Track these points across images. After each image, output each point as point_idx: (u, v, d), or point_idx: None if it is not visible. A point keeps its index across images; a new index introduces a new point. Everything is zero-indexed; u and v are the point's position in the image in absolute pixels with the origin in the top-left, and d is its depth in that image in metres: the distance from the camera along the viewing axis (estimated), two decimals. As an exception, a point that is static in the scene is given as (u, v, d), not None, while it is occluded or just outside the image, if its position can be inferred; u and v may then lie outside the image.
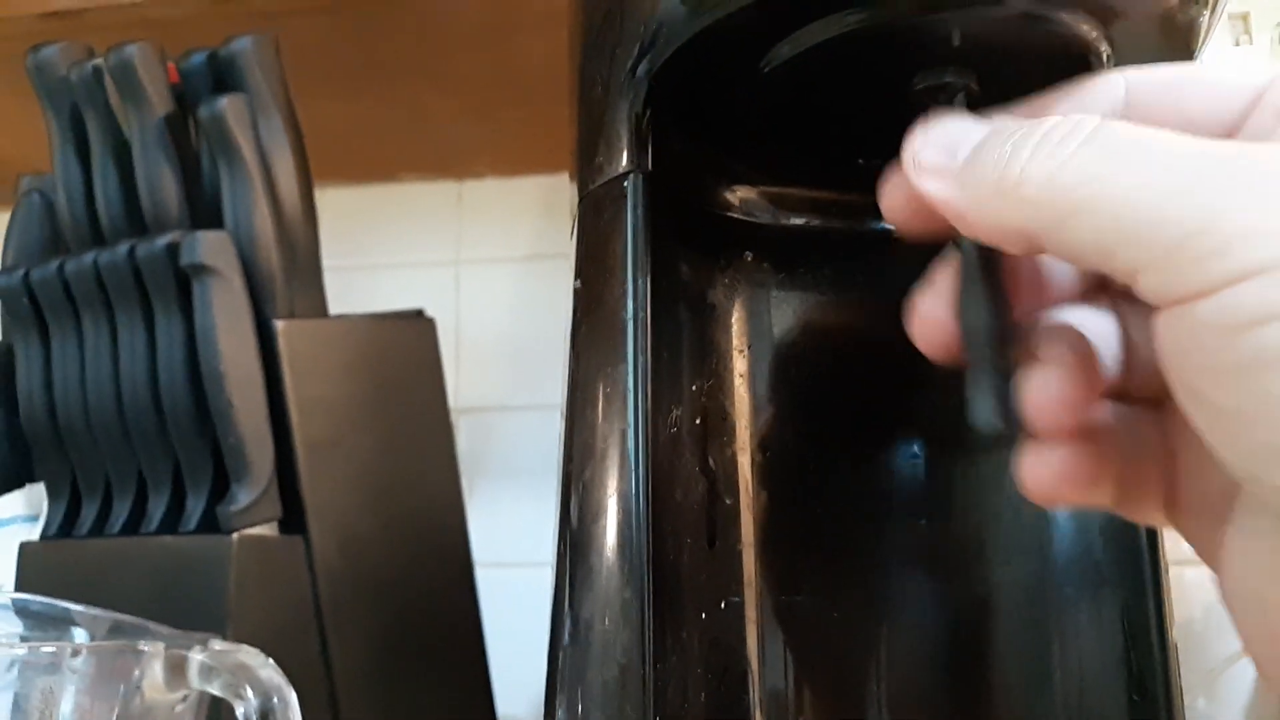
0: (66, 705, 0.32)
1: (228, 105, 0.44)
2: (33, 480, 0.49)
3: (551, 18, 0.55)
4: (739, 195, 0.36)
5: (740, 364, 0.36)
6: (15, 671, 0.32)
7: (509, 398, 0.74)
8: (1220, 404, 0.18)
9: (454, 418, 0.54)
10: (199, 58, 0.47)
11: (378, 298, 0.65)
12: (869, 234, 0.36)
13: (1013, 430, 0.23)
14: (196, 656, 0.33)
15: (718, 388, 0.35)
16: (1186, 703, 0.32)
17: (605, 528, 0.29)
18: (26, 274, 0.46)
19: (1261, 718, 0.56)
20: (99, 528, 0.45)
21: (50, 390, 0.46)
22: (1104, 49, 0.29)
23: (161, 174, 0.45)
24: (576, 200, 0.34)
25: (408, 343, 0.52)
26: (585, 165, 0.33)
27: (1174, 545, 0.32)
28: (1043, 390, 0.22)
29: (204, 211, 0.46)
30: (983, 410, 0.23)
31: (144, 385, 0.43)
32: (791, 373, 0.36)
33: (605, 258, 0.31)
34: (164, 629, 0.34)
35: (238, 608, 0.41)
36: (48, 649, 0.32)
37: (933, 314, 0.25)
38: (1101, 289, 0.26)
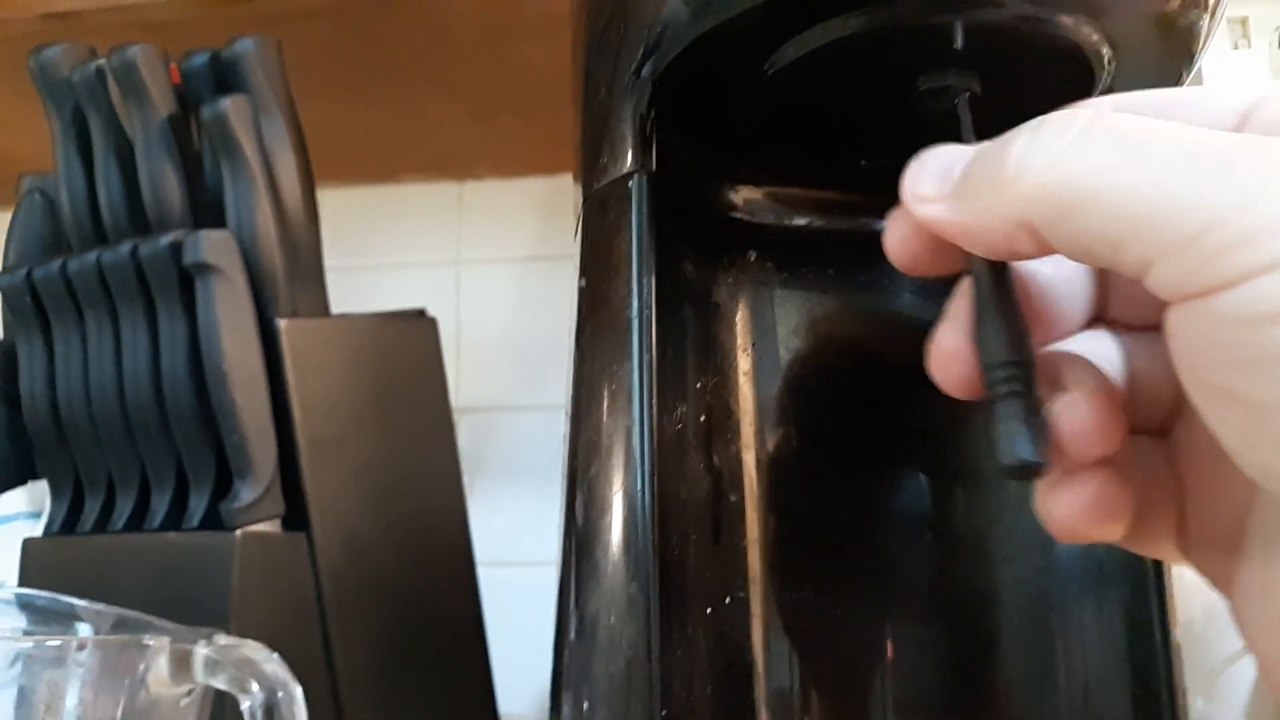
0: (72, 699, 0.32)
1: (230, 105, 0.44)
2: (35, 477, 0.49)
3: (552, 21, 0.55)
4: (743, 196, 0.36)
5: (744, 362, 0.36)
6: (20, 666, 0.32)
7: (509, 398, 0.74)
8: (1241, 399, 0.18)
9: (455, 417, 0.55)
10: (201, 59, 0.47)
11: (379, 298, 0.65)
12: (872, 234, 0.36)
13: (1043, 463, 0.21)
14: (201, 651, 0.33)
15: (722, 386, 0.35)
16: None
17: (611, 524, 0.29)
18: (29, 272, 0.46)
19: (1262, 718, 0.57)
20: (102, 524, 0.45)
21: (53, 388, 0.46)
22: (1105, 52, 0.29)
23: (164, 173, 0.45)
24: (581, 200, 0.34)
25: (410, 342, 0.52)
26: (589, 166, 0.33)
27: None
28: (1076, 416, 0.21)
29: (206, 211, 0.46)
30: (1013, 443, 0.21)
31: (147, 383, 0.43)
32: (795, 371, 0.36)
33: (610, 257, 0.31)
34: (168, 625, 0.35)
35: (240, 605, 0.41)
36: (53, 643, 0.33)
37: (950, 346, 0.24)
38: (1099, 318, 0.26)
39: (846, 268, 0.37)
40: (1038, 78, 0.27)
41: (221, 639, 0.33)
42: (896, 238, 0.25)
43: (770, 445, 0.36)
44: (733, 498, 0.35)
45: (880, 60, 0.29)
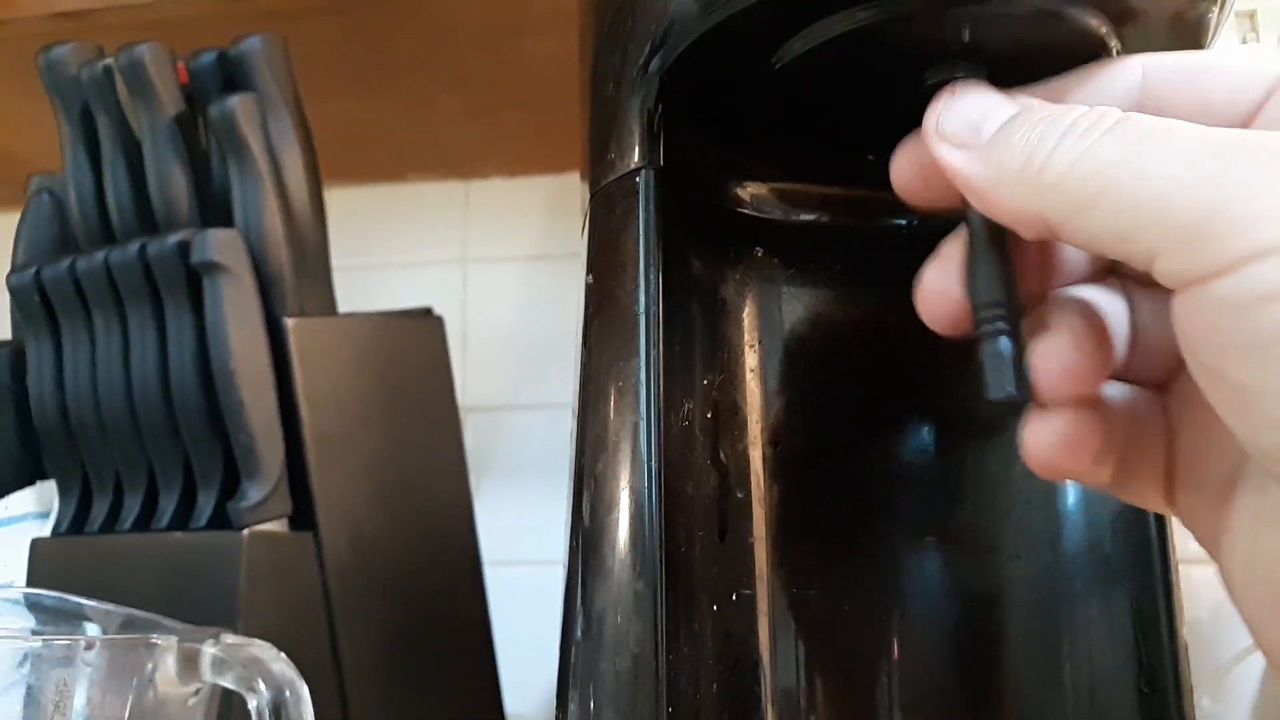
0: (80, 699, 0.32)
1: (238, 104, 0.44)
2: (43, 477, 0.49)
3: (558, 18, 0.55)
4: (750, 191, 0.36)
5: (751, 359, 0.36)
6: (28, 665, 0.32)
7: (516, 396, 0.74)
8: (1240, 381, 0.19)
9: (461, 416, 0.55)
10: (208, 57, 0.47)
11: (385, 297, 0.65)
12: (879, 230, 0.36)
13: (1025, 400, 0.23)
14: (209, 650, 0.33)
15: (729, 382, 0.35)
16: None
17: (618, 520, 0.29)
18: (38, 272, 0.46)
19: (1267, 717, 0.56)
20: (110, 524, 0.45)
21: (61, 388, 0.46)
22: (1114, 45, 0.29)
23: (172, 172, 0.45)
24: (588, 197, 0.34)
25: (417, 340, 0.52)
26: (597, 162, 0.33)
27: (1181, 545, 0.33)
28: (1051, 358, 0.23)
29: (214, 210, 0.46)
30: (996, 379, 0.23)
31: (155, 382, 0.43)
32: (802, 367, 0.36)
33: (617, 252, 0.31)
34: (175, 624, 0.35)
35: (248, 604, 0.41)
36: (61, 642, 0.33)
37: (940, 286, 0.25)
38: (1111, 271, 0.26)
39: (854, 264, 0.37)
40: (1046, 70, 0.27)
41: (229, 638, 0.33)
42: (905, 165, 0.26)
43: (777, 441, 0.36)
44: (739, 494, 0.35)
45: (887, 53, 0.29)
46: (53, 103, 0.48)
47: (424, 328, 0.53)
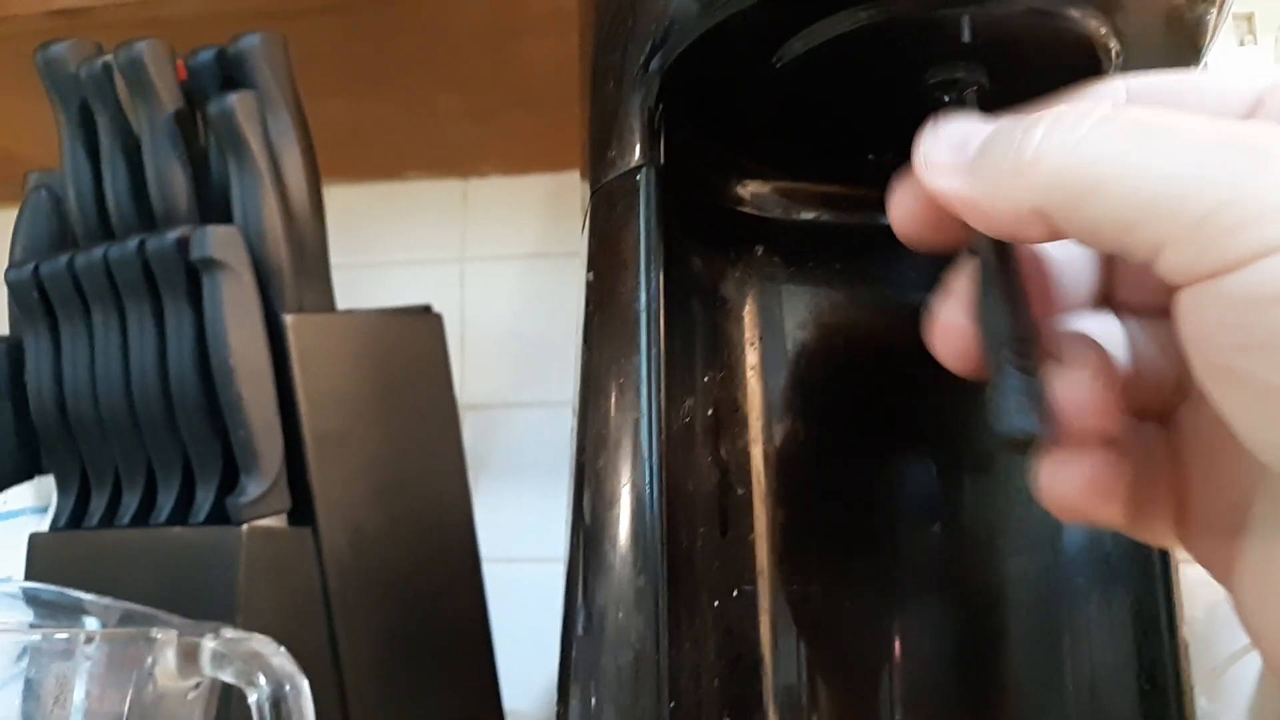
0: (79, 693, 0.32)
1: (237, 101, 0.44)
2: (42, 472, 0.49)
3: (557, 18, 0.55)
4: (750, 190, 0.36)
5: (751, 356, 0.36)
6: (27, 659, 0.32)
7: (514, 394, 0.74)
8: (1248, 381, 0.18)
9: (459, 414, 0.55)
10: (207, 55, 0.47)
11: (383, 295, 0.65)
12: (879, 229, 0.36)
13: (1042, 435, 0.21)
14: (209, 644, 0.33)
15: (729, 380, 0.36)
16: (1190, 698, 0.32)
17: (619, 517, 0.29)
18: (36, 268, 0.46)
19: (1264, 717, 0.57)
20: (108, 519, 0.45)
21: (60, 383, 0.46)
22: (1113, 45, 0.29)
23: (171, 169, 0.45)
24: (588, 195, 0.34)
25: (416, 338, 0.52)
26: (597, 160, 0.33)
27: (1178, 541, 0.33)
28: (1074, 391, 0.22)
29: (213, 207, 0.46)
30: (1010, 415, 0.21)
31: (154, 378, 0.43)
32: (802, 366, 0.36)
33: (618, 250, 0.31)
34: (174, 619, 0.35)
35: (247, 599, 0.41)
36: (61, 636, 0.33)
37: (952, 321, 0.24)
38: (1105, 301, 0.26)
39: (854, 262, 0.37)
40: (1046, 71, 0.27)
41: (229, 632, 0.33)
42: (902, 206, 0.25)
43: (778, 439, 0.36)
44: (740, 491, 0.35)
45: (888, 53, 0.29)
46: (51, 100, 0.48)
47: (423, 325, 0.53)
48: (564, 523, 0.33)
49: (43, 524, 0.48)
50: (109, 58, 0.46)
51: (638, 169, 0.31)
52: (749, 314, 0.36)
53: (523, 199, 0.76)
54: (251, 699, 0.32)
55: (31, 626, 0.35)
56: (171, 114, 0.46)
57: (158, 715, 0.33)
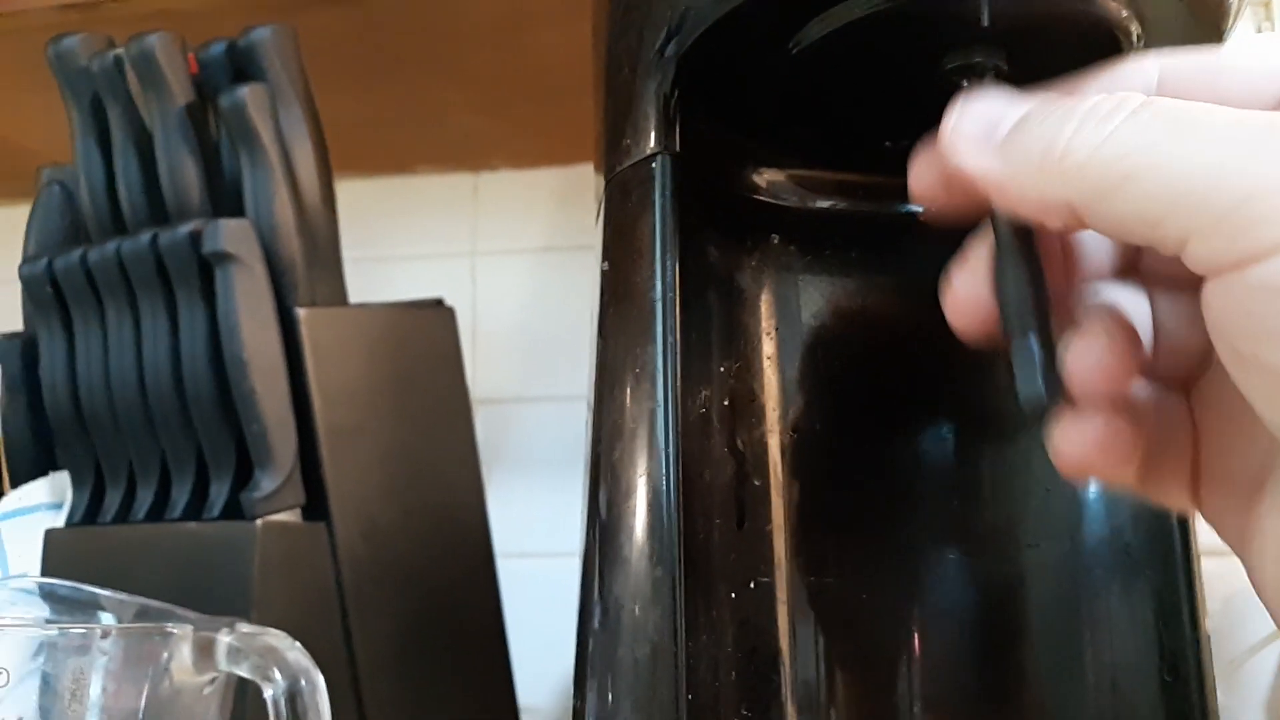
0: (96, 688, 0.32)
1: (249, 94, 0.44)
2: (56, 468, 0.49)
3: (567, 11, 0.55)
4: (766, 178, 0.36)
5: (768, 346, 0.36)
6: (44, 655, 0.32)
7: (525, 389, 0.74)
8: (1274, 368, 0.18)
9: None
10: (218, 48, 0.47)
11: (394, 290, 0.64)
12: (895, 217, 0.36)
13: (1058, 403, 0.22)
14: (224, 639, 0.33)
15: (745, 370, 0.35)
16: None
17: (635, 507, 0.29)
18: (49, 263, 0.46)
19: (1281, 709, 0.56)
20: (123, 515, 0.45)
21: (74, 378, 0.46)
22: (1134, 28, 0.29)
23: (183, 163, 0.45)
24: (602, 184, 0.34)
25: (428, 331, 0.52)
26: (612, 148, 0.33)
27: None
28: (1085, 357, 0.22)
29: (225, 200, 0.46)
30: (1029, 383, 0.22)
31: (167, 373, 0.43)
32: (819, 355, 0.36)
33: (633, 239, 0.31)
34: (190, 614, 0.35)
35: (262, 594, 0.41)
36: (78, 631, 0.33)
37: (969, 291, 0.24)
38: (1132, 270, 0.26)
39: (870, 250, 0.37)
40: (1065, 55, 0.27)
41: (244, 627, 0.33)
42: (923, 175, 0.25)
43: (794, 429, 0.35)
44: (756, 482, 0.34)
45: (905, 38, 0.29)
46: (63, 94, 0.48)
47: (435, 318, 0.53)
48: (576, 517, 0.32)
49: (58, 520, 0.48)
50: (120, 51, 0.46)
51: (653, 157, 0.31)
52: (765, 303, 0.36)
53: (533, 193, 0.76)
54: (267, 694, 0.32)
55: (48, 622, 0.35)
56: (183, 107, 0.45)
57: (174, 710, 0.33)
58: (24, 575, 0.47)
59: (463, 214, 0.77)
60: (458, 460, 0.52)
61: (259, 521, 0.41)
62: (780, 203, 0.36)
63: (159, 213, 0.46)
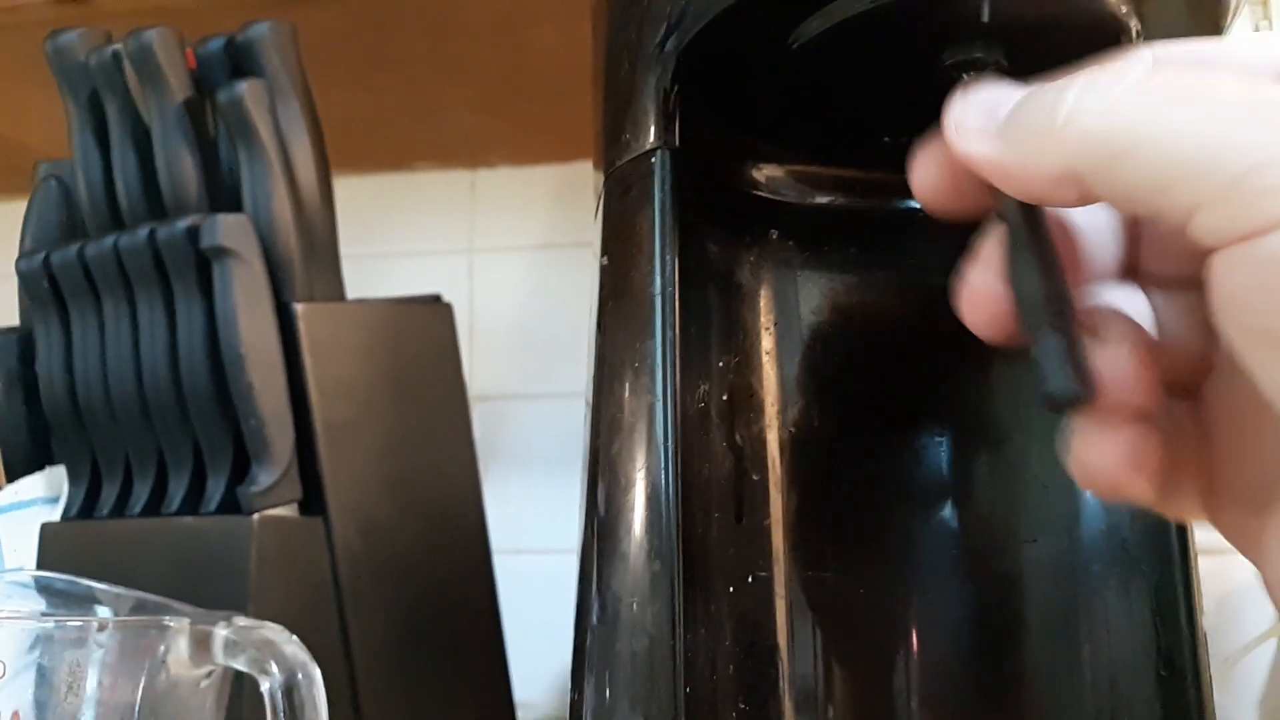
0: (92, 681, 0.32)
1: (247, 90, 0.44)
2: (52, 462, 0.49)
3: (565, 8, 0.55)
4: (765, 174, 0.36)
5: (767, 341, 0.36)
6: (40, 648, 0.32)
7: (522, 385, 0.74)
8: None
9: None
10: (216, 44, 0.47)
11: (391, 286, 0.65)
12: (895, 213, 0.36)
13: (1091, 396, 0.21)
14: (221, 632, 0.33)
15: (744, 365, 0.35)
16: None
17: (633, 502, 0.29)
18: (46, 257, 0.46)
19: (1275, 708, 0.57)
20: (120, 509, 0.45)
21: (71, 373, 0.46)
22: (1133, 24, 0.29)
23: (181, 158, 0.45)
24: (601, 179, 0.34)
25: (426, 327, 0.52)
26: (611, 143, 0.33)
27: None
28: (1116, 364, 0.21)
29: (223, 195, 0.46)
30: (1057, 377, 0.21)
31: (164, 367, 0.43)
32: (818, 350, 0.36)
33: (632, 234, 0.31)
34: (186, 608, 0.34)
35: (258, 588, 0.41)
36: (74, 623, 0.32)
37: (984, 286, 0.24)
38: (1130, 272, 0.25)
39: (869, 246, 0.37)
40: (1065, 51, 0.27)
41: (241, 621, 0.33)
42: (926, 171, 0.25)
43: (793, 424, 0.35)
44: (755, 476, 0.34)
45: (905, 34, 0.29)
46: (61, 89, 0.48)
47: (433, 315, 0.53)
48: (573, 514, 0.32)
49: (54, 514, 0.47)
50: (118, 46, 0.46)
51: (652, 151, 0.31)
52: (764, 299, 0.36)
53: (531, 190, 0.76)
54: (264, 687, 0.32)
55: (44, 615, 0.35)
56: (181, 102, 0.45)
57: (170, 703, 0.33)
58: (20, 569, 0.47)
59: (460, 210, 0.77)
60: (455, 456, 0.52)
61: (256, 516, 0.41)
62: (779, 198, 0.36)
63: (157, 208, 0.46)
